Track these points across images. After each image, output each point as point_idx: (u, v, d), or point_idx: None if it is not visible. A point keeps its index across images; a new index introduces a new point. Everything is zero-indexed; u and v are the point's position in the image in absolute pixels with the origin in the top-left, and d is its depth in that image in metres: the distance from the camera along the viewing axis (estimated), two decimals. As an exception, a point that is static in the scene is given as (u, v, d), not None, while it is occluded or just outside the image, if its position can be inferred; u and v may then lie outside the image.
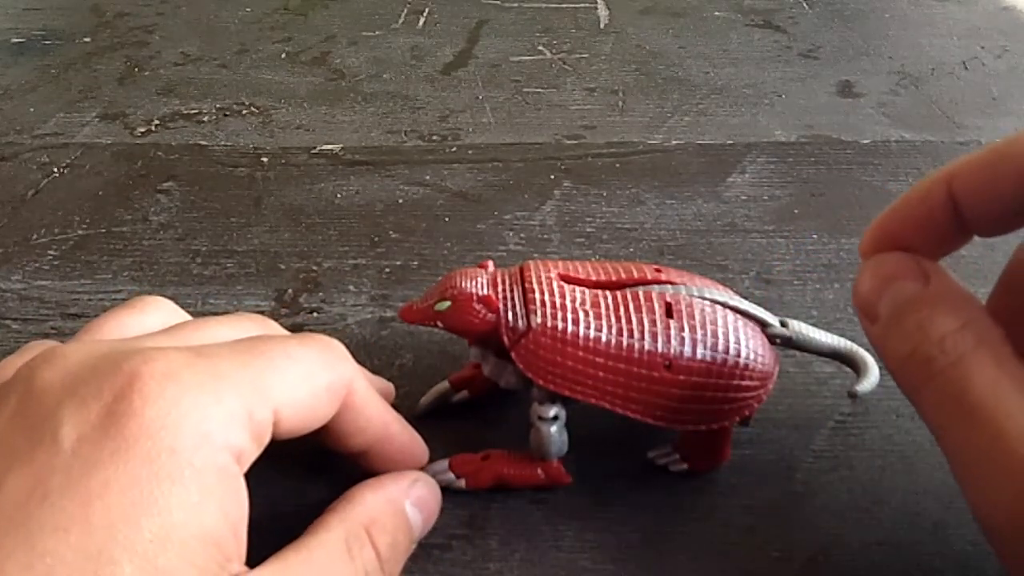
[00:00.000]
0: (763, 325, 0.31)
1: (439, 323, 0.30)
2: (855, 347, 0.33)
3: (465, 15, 0.73)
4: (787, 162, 0.51)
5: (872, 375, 0.33)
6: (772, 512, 0.31)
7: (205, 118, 0.58)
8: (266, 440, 0.25)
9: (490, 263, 0.31)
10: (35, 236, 0.46)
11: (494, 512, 0.31)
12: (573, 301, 0.29)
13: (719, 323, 0.29)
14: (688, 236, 0.45)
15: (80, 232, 0.46)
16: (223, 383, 0.24)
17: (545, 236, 0.45)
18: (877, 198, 0.48)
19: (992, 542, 0.23)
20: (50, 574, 0.20)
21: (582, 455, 0.32)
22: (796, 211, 0.47)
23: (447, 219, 0.47)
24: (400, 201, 0.48)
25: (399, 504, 0.27)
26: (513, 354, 0.29)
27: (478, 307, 0.29)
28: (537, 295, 0.29)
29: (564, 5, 0.74)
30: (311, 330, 0.38)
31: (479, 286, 0.29)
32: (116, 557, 0.20)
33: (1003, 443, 0.22)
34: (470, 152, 0.53)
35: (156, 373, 0.23)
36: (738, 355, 0.29)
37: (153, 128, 0.56)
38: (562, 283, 0.30)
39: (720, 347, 0.29)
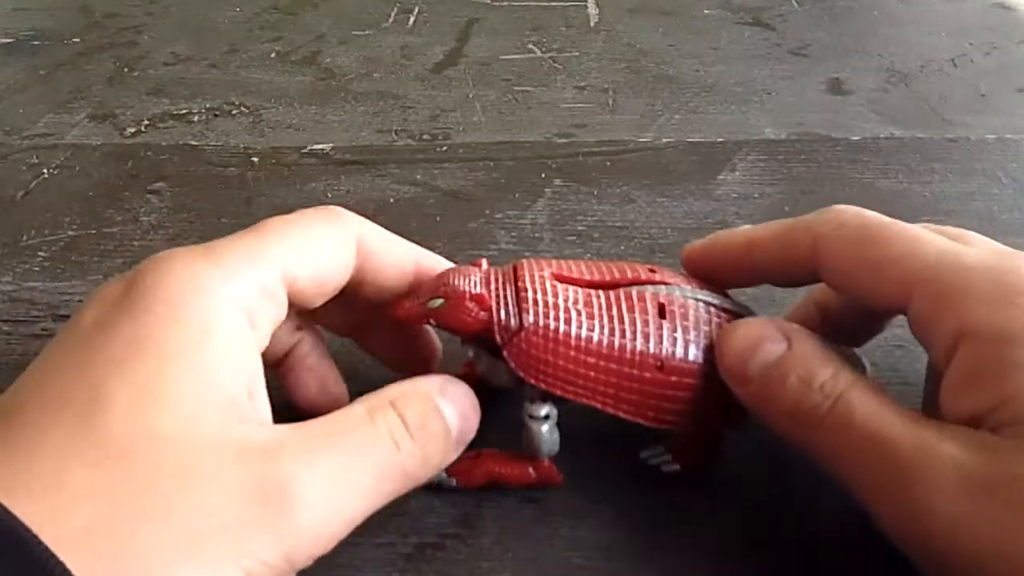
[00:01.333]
0: None
1: (432, 320, 0.29)
2: (846, 349, 0.33)
3: (455, 14, 0.73)
4: (777, 159, 0.52)
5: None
6: (768, 510, 0.31)
7: (195, 118, 0.57)
8: (282, 297, 0.27)
9: (484, 261, 0.31)
10: (25, 237, 0.46)
11: (487, 511, 0.31)
12: (566, 300, 0.29)
13: (712, 325, 0.29)
14: (679, 234, 0.45)
15: (70, 233, 0.46)
16: (221, 252, 0.26)
17: (536, 235, 0.45)
18: (867, 195, 0.48)
19: (911, 556, 0.24)
20: (59, 413, 0.22)
21: (576, 454, 0.32)
22: (786, 208, 0.47)
23: (438, 218, 0.47)
24: (391, 200, 0.48)
25: (426, 391, 0.27)
26: (505, 353, 0.29)
27: (471, 305, 0.29)
28: (530, 294, 0.29)
29: (554, 4, 0.74)
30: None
31: (472, 284, 0.29)
32: (112, 393, 0.22)
33: (899, 459, 0.23)
34: (461, 151, 0.53)
35: (161, 259, 0.25)
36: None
37: (143, 128, 0.56)
38: (555, 282, 0.30)
39: (710, 339, 0.29)
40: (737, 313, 0.30)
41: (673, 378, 0.28)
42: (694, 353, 0.29)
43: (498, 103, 0.59)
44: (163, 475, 0.22)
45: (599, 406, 0.29)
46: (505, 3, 0.75)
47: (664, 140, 0.54)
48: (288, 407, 0.26)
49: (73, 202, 0.49)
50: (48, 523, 0.20)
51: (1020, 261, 0.25)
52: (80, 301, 0.41)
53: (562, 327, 0.28)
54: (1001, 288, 0.24)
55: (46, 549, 0.20)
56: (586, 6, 0.74)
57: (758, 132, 0.55)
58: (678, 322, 0.29)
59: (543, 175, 0.50)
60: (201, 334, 0.24)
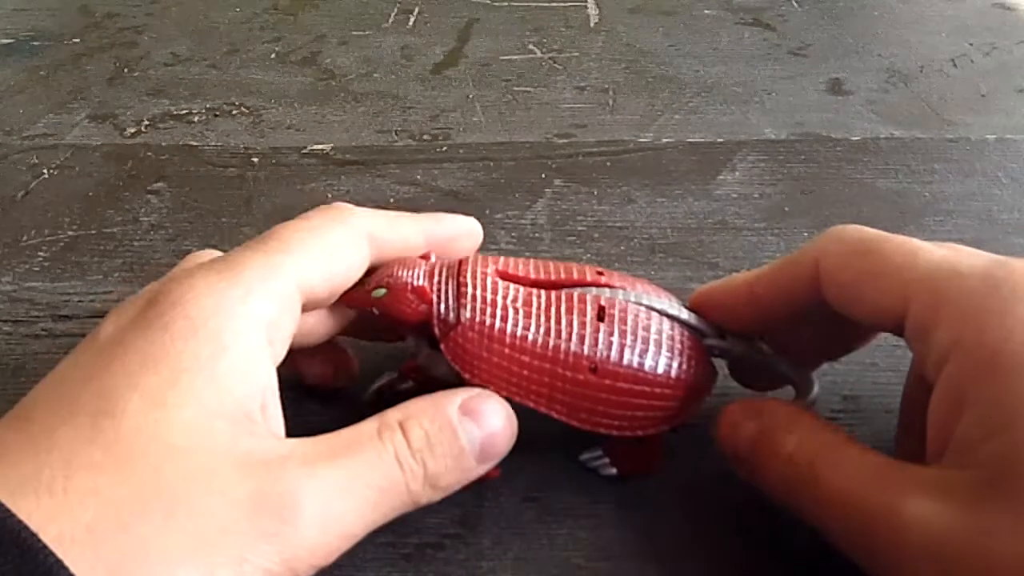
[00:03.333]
0: (702, 336, 0.31)
1: (375, 309, 0.30)
2: (797, 366, 0.32)
3: (455, 14, 0.73)
4: (777, 160, 0.52)
5: (812, 395, 0.31)
6: (765, 509, 0.31)
7: (195, 118, 0.57)
8: (298, 308, 0.28)
9: (432, 254, 0.32)
10: (25, 238, 0.46)
11: (487, 511, 0.31)
12: (504, 298, 0.29)
13: (652, 330, 0.29)
14: (679, 234, 0.45)
15: (70, 233, 0.46)
16: (238, 270, 0.26)
17: (536, 235, 0.45)
18: (867, 195, 0.48)
19: None
20: (69, 418, 0.22)
21: (574, 454, 0.32)
22: (787, 208, 0.47)
23: (438, 218, 0.47)
24: (391, 200, 0.48)
25: (442, 406, 0.27)
26: (443, 346, 0.29)
27: (411, 297, 0.29)
28: (469, 289, 0.29)
29: (554, 4, 0.74)
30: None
31: (415, 276, 0.30)
32: (122, 400, 0.23)
33: (869, 524, 0.24)
34: (461, 151, 0.53)
35: (181, 278, 0.26)
36: (668, 365, 0.29)
37: (143, 129, 0.56)
38: (497, 279, 0.30)
39: (650, 355, 0.29)
40: (684, 321, 0.30)
41: (607, 381, 0.28)
42: (629, 357, 0.29)
43: (498, 103, 0.59)
44: (168, 480, 0.22)
45: (532, 405, 0.29)
46: (505, 3, 0.75)
47: (664, 140, 0.54)
48: (305, 424, 0.26)
49: (73, 202, 0.49)
50: (51, 523, 0.20)
51: (1016, 265, 0.24)
52: (80, 301, 0.41)
53: (498, 324, 0.29)
54: (997, 299, 0.23)
55: (45, 547, 0.20)
56: (586, 6, 0.74)
57: (758, 132, 0.54)
58: (616, 325, 0.29)
59: (543, 175, 0.50)
60: (218, 349, 0.24)
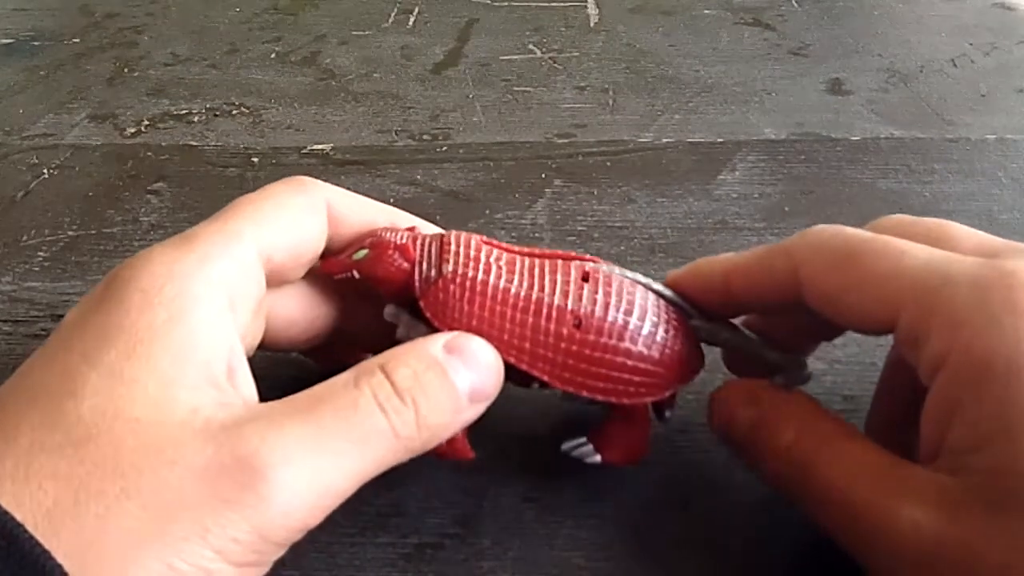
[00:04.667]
0: (688, 316, 0.30)
1: (355, 272, 0.29)
2: (788, 354, 0.31)
3: (455, 14, 0.73)
4: (777, 160, 0.52)
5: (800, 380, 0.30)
6: (765, 508, 0.31)
7: (195, 118, 0.57)
8: (260, 275, 0.27)
9: (417, 228, 0.31)
10: (25, 238, 0.46)
11: (487, 511, 0.31)
12: (488, 256, 0.29)
13: (637, 296, 0.29)
14: (679, 234, 0.45)
15: (70, 233, 0.46)
16: (195, 239, 0.26)
17: (536, 235, 0.45)
18: (867, 195, 0.48)
19: None
20: (32, 404, 0.22)
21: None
22: (786, 208, 0.47)
23: (438, 218, 0.46)
24: (391, 200, 0.48)
25: (424, 347, 0.26)
26: (422, 302, 0.28)
27: (394, 254, 0.29)
28: (453, 247, 0.29)
29: (554, 4, 0.74)
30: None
31: (398, 237, 0.29)
32: (82, 380, 0.22)
33: (863, 523, 0.24)
34: (461, 151, 0.53)
35: (138, 255, 0.25)
36: (654, 328, 0.28)
37: (143, 129, 0.56)
38: (481, 243, 0.29)
39: (635, 315, 0.28)
40: (670, 299, 0.30)
41: (591, 337, 0.28)
42: (614, 315, 0.28)
43: (498, 103, 0.59)
44: (126, 457, 0.21)
45: (513, 361, 0.28)
46: (505, 3, 0.75)
47: (664, 140, 0.54)
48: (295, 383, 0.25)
49: (73, 202, 0.49)
50: (16, 510, 0.20)
51: (1006, 266, 0.24)
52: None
53: (480, 276, 0.28)
54: (986, 310, 0.23)
55: (32, 537, 0.20)
56: (586, 6, 0.74)
57: (758, 132, 0.54)
58: (600, 287, 0.28)
59: (543, 175, 0.50)
60: (174, 315, 0.24)
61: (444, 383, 0.26)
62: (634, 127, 0.55)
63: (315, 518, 0.23)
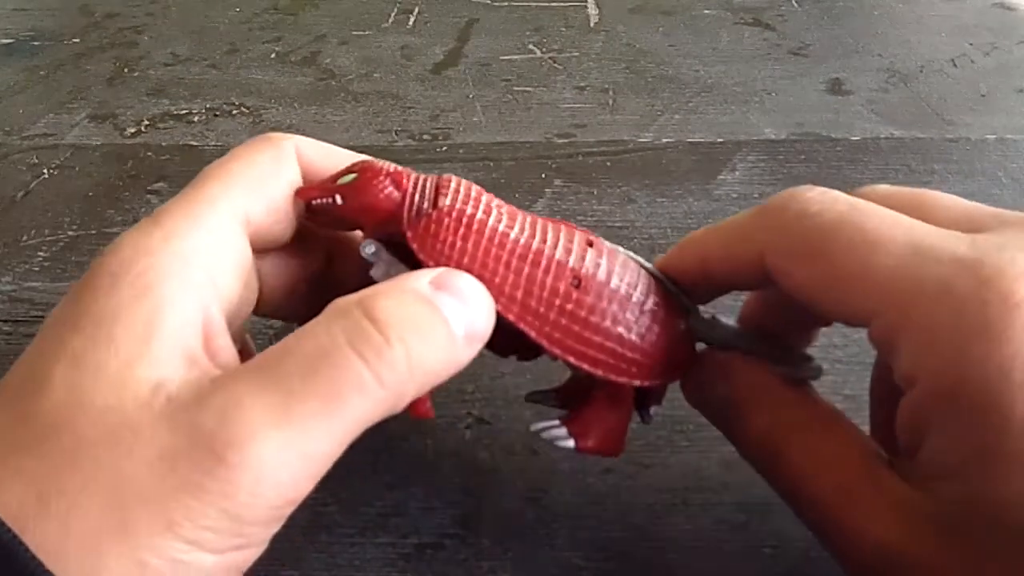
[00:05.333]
0: (687, 312, 0.28)
1: (338, 198, 0.26)
2: (789, 354, 0.29)
3: (455, 14, 0.73)
4: (777, 159, 0.52)
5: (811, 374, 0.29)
6: (765, 509, 0.31)
7: (195, 118, 0.57)
8: (240, 238, 0.25)
9: (411, 171, 0.28)
10: (25, 238, 0.46)
11: (487, 511, 0.31)
12: (490, 201, 0.27)
13: (641, 275, 0.27)
14: (679, 234, 0.45)
15: (70, 233, 0.46)
16: (163, 214, 0.25)
17: (536, 235, 0.45)
18: (867, 195, 0.48)
19: None
20: (7, 399, 0.22)
21: (574, 454, 0.32)
22: (786, 208, 0.47)
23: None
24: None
25: (408, 282, 0.24)
26: (409, 234, 0.26)
27: (384, 180, 0.26)
28: (452, 184, 0.27)
29: (554, 4, 0.74)
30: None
31: (392, 166, 0.27)
32: (48, 371, 0.21)
33: (829, 521, 0.23)
34: (461, 151, 0.53)
35: (113, 241, 0.24)
36: (657, 306, 0.27)
37: (143, 129, 0.56)
38: (483, 191, 0.27)
39: (640, 288, 0.26)
40: (669, 289, 0.28)
41: (589, 299, 0.26)
42: (616, 283, 0.26)
43: (498, 103, 0.59)
44: (86, 449, 0.20)
45: (501, 310, 0.25)
46: (505, 3, 0.75)
47: (664, 140, 0.54)
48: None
49: (73, 202, 0.49)
50: None
51: (990, 261, 0.21)
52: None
53: (479, 215, 0.26)
54: (958, 332, 0.21)
55: (22, 543, 0.19)
56: (586, 6, 0.74)
57: (758, 132, 0.55)
58: (605, 255, 0.27)
59: (543, 175, 0.50)
60: (140, 291, 0.22)
61: (436, 318, 0.23)
62: (634, 127, 0.55)
63: (300, 489, 0.21)
